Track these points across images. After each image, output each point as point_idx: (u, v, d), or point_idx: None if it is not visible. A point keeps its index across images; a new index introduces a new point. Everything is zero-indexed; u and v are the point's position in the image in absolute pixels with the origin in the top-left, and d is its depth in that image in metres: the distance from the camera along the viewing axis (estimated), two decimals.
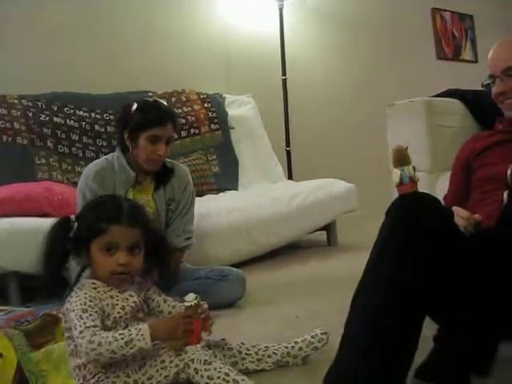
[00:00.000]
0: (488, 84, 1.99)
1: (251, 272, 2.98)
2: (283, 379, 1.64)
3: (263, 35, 5.05)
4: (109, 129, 3.86)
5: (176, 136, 3.18)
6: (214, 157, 4.26)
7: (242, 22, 4.98)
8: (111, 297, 1.56)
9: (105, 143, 3.82)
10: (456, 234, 1.53)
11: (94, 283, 1.57)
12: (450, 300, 1.43)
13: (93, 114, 3.85)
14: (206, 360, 1.46)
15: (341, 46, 5.65)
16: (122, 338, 1.42)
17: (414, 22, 6.26)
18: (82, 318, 1.46)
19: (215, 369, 1.44)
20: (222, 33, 4.87)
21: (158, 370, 1.47)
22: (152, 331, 1.44)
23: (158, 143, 2.43)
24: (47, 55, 4.00)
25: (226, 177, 4.20)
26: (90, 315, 1.47)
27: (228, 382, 1.42)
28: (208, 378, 1.43)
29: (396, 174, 1.49)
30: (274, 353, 1.70)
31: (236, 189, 4.18)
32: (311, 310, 2.35)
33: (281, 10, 4.86)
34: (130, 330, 1.44)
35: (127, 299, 1.59)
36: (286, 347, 1.72)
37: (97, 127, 3.83)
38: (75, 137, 3.73)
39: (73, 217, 1.60)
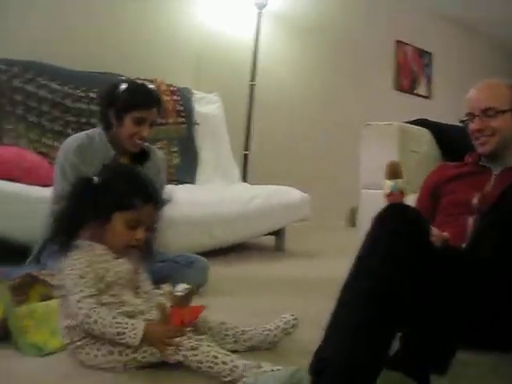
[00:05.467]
0: (465, 121, 2.17)
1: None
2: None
3: (238, 39, 5.15)
4: (78, 105, 3.86)
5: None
6: (176, 149, 4.32)
7: (220, 23, 5.06)
8: (106, 261, 1.62)
9: (73, 119, 3.82)
10: (431, 246, 1.67)
11: (90, 245, 1.63)
12: (419, 309, 1.55)
13: (65, 89, 3.84)
14: (192, 346, 1.51)
15: (310, 60, 5.82)
16: (116, 328, 1.50)
17: (378, 50, 6.53)
18: (78, 285, 1.53)
19: (203, 353, 1.49)
20: (198, 31, 4.93)
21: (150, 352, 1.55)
22: (145, 333, 1.51)
23: (142, 125, 2.47)
24: (26, 24, 3.96)
25: (185, 170, 4.28)
26: (86, 282, 1.54)
27: (217, 364, 1.48)
28: (197, 362, 1.49)
29: (388, 185, 1.62)
30: (249, 338, 1.75)
31: (193, 183, 4.25)
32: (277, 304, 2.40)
33: (259, 16, 4.98)
34: (126, 324, 1.51)
35: (121, 265, 1.65)
36: (261, 334, 1.77)
37: (67, 102, 3.83)
38: (45, 108, 3.72)
39: (96, 179, 1.65)
